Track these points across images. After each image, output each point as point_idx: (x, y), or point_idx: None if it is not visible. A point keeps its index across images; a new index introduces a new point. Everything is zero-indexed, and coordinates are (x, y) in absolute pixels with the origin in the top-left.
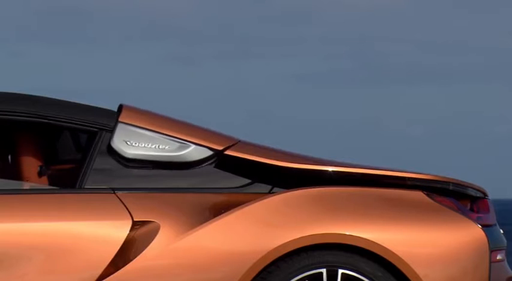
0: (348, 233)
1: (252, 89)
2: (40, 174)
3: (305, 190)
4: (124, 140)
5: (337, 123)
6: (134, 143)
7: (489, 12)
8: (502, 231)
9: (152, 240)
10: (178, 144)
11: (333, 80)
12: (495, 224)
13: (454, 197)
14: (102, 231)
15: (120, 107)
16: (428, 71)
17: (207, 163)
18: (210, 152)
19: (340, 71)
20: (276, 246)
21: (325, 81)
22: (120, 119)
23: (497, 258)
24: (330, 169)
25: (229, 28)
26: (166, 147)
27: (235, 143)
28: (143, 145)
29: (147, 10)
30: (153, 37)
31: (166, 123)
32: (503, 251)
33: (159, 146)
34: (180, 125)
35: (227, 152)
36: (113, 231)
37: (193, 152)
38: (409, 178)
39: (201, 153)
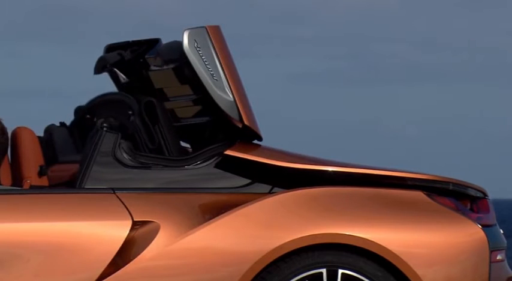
0: (347, 233)
1: (250, 89)
2: (40, 174)
3: (305, 190)
4: None
5: (336, 124)
6: None
7: (489, 11)
8: (502, 231)
9: (152, 240)
10: None
11: (331, 80)
12: (495, 224)
13: (454, 197)
14: (102, 231)
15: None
16: (427, 71)
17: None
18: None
19: (338, 71)
20: (275, 246)
21: (322, 82)
22: None
23: (497, 258)
24: (330, 169)
25: (227, 28)
26: None
27: None
28: None
29: (144, 9)
30: (151, 37)
31: None
32: (503, 251)
33: None
34: None
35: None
36: (113, 231)
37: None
38: (409, 178)
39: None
